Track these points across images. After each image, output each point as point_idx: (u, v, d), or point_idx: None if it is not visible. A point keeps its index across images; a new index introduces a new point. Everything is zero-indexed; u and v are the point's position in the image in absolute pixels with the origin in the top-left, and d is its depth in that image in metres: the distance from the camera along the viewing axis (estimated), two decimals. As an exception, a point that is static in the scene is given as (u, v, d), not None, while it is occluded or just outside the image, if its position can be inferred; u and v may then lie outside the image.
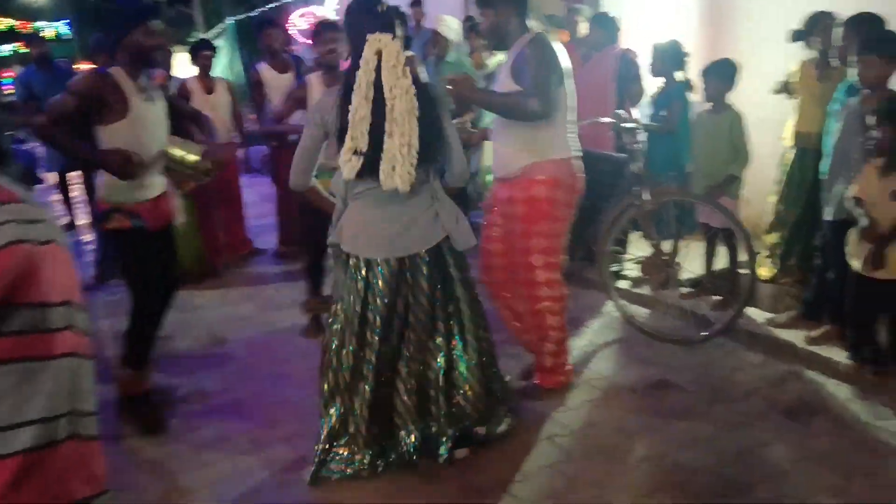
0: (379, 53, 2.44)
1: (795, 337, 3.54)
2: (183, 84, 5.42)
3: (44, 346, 0.48)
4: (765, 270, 4.30)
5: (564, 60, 3.01)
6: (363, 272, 2.61)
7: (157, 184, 3.17)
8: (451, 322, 2.72)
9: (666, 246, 3.92)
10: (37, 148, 5.93)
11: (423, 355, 2.68)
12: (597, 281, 4.27)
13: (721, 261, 4.11)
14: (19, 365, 0.47)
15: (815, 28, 3.87)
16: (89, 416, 0.52)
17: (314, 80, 3.91)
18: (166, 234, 3.28)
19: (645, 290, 4.32)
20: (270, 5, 12.99)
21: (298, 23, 10.95)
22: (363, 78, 2.43)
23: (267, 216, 6.27)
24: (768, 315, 3.82)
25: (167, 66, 6.16)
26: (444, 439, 2.69)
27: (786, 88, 4.13)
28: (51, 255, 0.50)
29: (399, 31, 2.51)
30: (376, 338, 2.62)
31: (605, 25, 4.76)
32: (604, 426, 3.00)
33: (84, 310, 0.53)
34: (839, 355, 3.32)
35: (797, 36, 3.95)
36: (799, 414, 3.02)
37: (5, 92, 13.71)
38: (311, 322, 4.15)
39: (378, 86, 2.44)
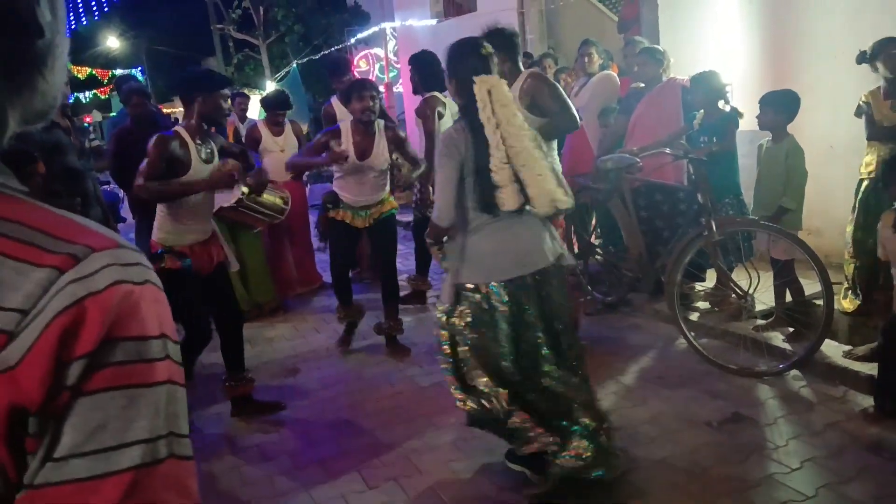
0: (489, 93, 2.59)
1: (875, 369, 3.41)
2: (254, 126, 5.67)
3: (144, 375, 0.57)
4: (847, 303, 4.17)
5: None
6: (491, 299, 2.66)
7: (207, 229, 3.48)
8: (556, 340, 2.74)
9: (735, 276, 3.85)
10: (120, 190, 6.24)
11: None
12: (665, 313, 4.22)
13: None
14: (124, 391, 0.55)
15: (879, 54, 3.80)
16: (184, 438, 0.60)
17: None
18: (219, 275, 3.55)
19: (715, 322, 4.25)
20: (333, 48, 13.46)
21: (361, 65, 11.35)
22: (488, 119, 2.58)
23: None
24: (847, 347, 3.70)
25: (243, 112, 6.55)
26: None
27: (860, 113, 4.04)
28: (147, 294, 0.58)
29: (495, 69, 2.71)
30: (505, 362, 2.67)
31: (654, 58, 4.78)
32: (676, 461, 2.94)
33: (176, 342, 0.61)
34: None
35: (860, 59, 3.90)
36: (882, 449, 2.91)
37: (91, 137, 14.30)
38: (346, 330, 4.59)
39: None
